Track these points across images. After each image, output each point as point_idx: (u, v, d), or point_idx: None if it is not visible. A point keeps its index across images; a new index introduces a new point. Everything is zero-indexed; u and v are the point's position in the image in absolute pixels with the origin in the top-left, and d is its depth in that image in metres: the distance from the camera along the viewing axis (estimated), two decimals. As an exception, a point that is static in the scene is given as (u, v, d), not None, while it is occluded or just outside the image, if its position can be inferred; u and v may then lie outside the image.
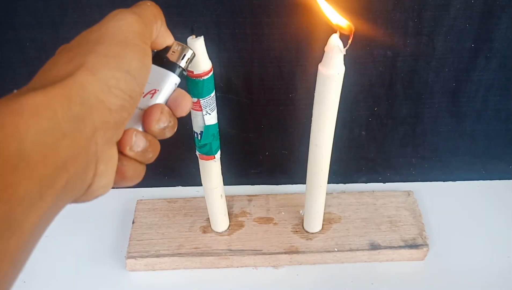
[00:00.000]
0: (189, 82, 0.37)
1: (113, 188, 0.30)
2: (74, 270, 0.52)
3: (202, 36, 0.36)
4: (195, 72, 0.37)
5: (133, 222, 0.54)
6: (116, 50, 0.25)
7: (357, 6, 0.44)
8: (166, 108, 0.29)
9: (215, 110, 0.41)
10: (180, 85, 0.31)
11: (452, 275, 0.50)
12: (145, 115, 0.29)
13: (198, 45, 0.36)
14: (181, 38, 0.33)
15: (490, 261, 0.51)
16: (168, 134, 0.30)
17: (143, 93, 0.29)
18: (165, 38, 0.30)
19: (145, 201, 0.57)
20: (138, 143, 0.27)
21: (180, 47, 0.31)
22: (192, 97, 0.38)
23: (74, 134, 0.22)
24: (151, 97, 0.29)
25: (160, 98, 0.30)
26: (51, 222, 0.23)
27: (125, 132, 0.27)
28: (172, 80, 0.30)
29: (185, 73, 0.32)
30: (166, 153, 0.57)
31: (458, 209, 0.57)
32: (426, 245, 0.51)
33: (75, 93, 0.23)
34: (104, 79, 0.24)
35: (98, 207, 0.58)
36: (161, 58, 0.31)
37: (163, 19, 0.30)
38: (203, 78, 0.37)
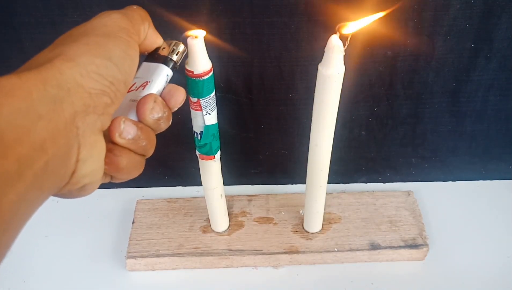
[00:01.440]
0: (189, 82, 0.37)
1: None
2: (74, 270, 0.52)
3: (202, 36, 0.36)
4: (195, 72, 0.37)
5: (133, 222, 0.54)
6: (98, 40, 0.26)
7: (357, 6, 0.44)
8: (160, 98, 0.30)
9: (215, 110, 0.41)
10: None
11: (452, 275, 0.50)
12: (138, 105, 0.29)
13: (198, 45, 0.36)
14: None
15: (490, 261, 0.51)
16: (164, 126, 0.30)
17: (131, 84, 0.29)
18: (154, 39, 0.31)
19: (145, 201, 0.57)
20: (127, 130, 0.27)
21: (170, 43, 0.32)
22: (192, 97, 0.39)
23: (51, 116, 0.22)
24: (143, 89, 0.30)
25: (153, 89, 0.30)
26: (35, 208, 0.23)
27: (113, 120, 0.27)
28: (164, 72, 0.31)
29: (177, 67, 0.32)
30: (166, 153, 0.58)
31: (458, 209, 0.57)
32: (426, 245, 0.51)
33: (51, 76, 0.23)
34: (83, 64, 0.24)
35: (98, 207, 0.58)
36: (152, 56, 0.32)
37: (150, 21, 0.31)
38: (203, 78, 0.37)
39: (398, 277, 0.50)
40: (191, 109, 0.40)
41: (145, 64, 0.32)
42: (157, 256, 0.50)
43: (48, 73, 0.23)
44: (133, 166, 0.29)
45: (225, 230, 0.53)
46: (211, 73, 0.38)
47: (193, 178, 0.55)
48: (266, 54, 0.48)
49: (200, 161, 0.46)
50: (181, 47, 0.32)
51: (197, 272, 0.51)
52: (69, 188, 0.25)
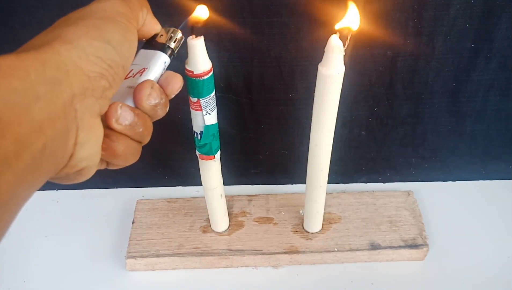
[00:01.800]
0: (189, 82, 0.37)
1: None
2: (74, 270, 0.52)
3: (202, 36, 0.36)
4: (195, 72, 0.37)
5: (133, 222, 0.54)
6: (97, 23, 0.26)
7: (357, 6, 0.44)
8: (157, 84, 0.30)
9: (215, 110, 0.41)
10: None
11: (452, 275, 0.50)
12: (135, 91, 0.29)
13: (198, 45, 0.36)
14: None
15: (490, 261, 0.51)
16: (161, 113, 0.30)
17: (129, 70, 0.29)
18: (152, 25, 0.31)
19: (145, 201, 0.57)
20: (124, 116, 0.27)
21: (168, 30, 0.32)
22: (192, 97, 0.39)
23: (50, 97, 0.22)
24: (140, 75, 0.30)
25: (150, 76, 0.30)
26: (33, 191, 0.23)
27: (110, 105, 0.27)
28: (161, 58, 0.31)
29: (175, 54, 0.32)
30: (166, 153, 0.58)
31: (458, 209, 0.57)
32: (426, 245, 0.51)
33: (50, 58, 0.23)
34: (82, 47, 0.24)
35: (98, 207, 0.58)
36: (150, 43, 0.32)
37: (149, 7, 0.31)
38: (203, 78, 0.37)
39: (398, 277, 0.50)
40: (191, 109, 0.40)
41: (142, 51, 0.32)
42: (157, 256, 0.50)
43: (46, 54, 0.23)
44: (130, 153, 0.29)
45: (225, 230, 0.53)
46: (211, 73, 0.38)
47: (193, 178, 0.55)
48: (266, 54, 0.48)
49: (200, 161, 0.46)
50: (179, 34, 0.32)
51: (197, 272, 0.51)
52: (66, 171, 0.25)
